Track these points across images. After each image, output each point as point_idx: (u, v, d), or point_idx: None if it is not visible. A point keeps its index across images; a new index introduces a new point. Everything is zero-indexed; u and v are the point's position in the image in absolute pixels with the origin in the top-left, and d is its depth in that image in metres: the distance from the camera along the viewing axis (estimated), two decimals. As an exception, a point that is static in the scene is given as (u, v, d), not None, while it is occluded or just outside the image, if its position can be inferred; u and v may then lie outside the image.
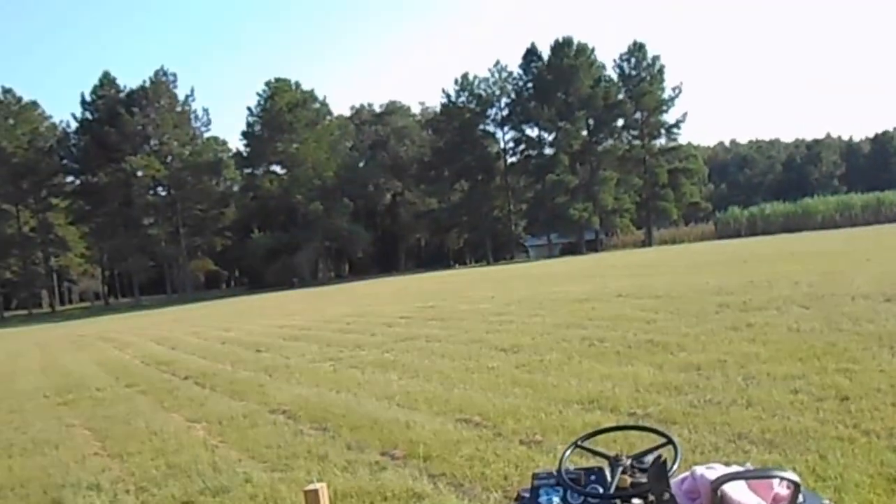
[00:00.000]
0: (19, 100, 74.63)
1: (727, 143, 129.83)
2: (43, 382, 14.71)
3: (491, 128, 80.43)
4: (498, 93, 79.10)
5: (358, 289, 45.35)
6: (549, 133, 76.99)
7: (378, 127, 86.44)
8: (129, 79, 72.02)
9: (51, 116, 77.25)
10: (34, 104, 75.85)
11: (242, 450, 7.20)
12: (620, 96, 76.21)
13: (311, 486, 2.95)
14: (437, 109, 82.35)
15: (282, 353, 14.51)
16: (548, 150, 77.57)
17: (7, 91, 73.96)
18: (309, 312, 26.65)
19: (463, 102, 78.61)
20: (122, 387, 12.64)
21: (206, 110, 76.40)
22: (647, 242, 74.44)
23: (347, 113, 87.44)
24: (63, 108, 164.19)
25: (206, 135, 76.29)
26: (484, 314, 17.37)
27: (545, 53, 76.85)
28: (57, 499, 6.28)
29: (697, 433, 5.77)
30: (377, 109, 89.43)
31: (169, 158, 72.89)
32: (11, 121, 73.01)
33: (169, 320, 33.92)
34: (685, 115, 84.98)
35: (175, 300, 64.70)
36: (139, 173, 70.89)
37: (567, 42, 75.84)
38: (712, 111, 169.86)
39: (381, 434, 6.99)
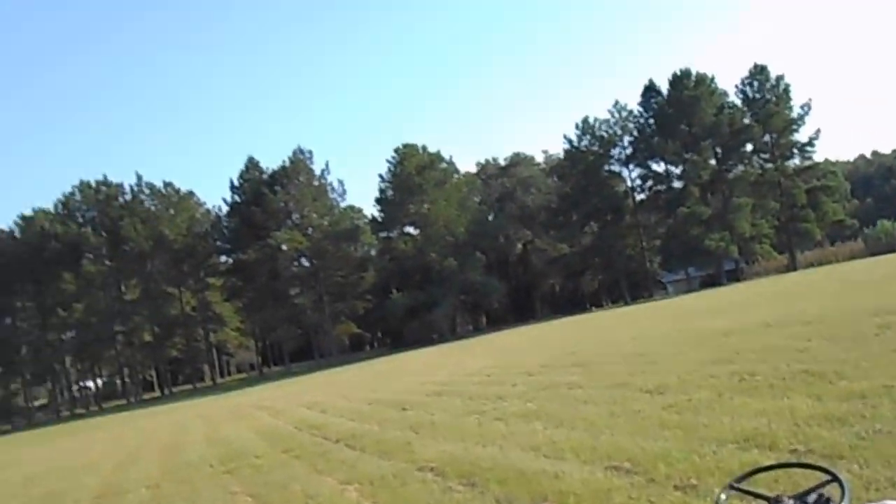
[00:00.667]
0: (178, 191, 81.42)
1: (868, 155, 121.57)
2: (207, 452, 15.47)
3: (616, 167, 79.44)
4: (620, 132, 78.23)
5: (496, 340, 45.28)
6: (676, 166, 75.20)
7: (504, 179, 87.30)
8: (271, 160, 77.13)
9: (205, 203, 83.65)
10: (191, 194, 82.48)
11: (395, 508, 7.27)
12: (746, 121, 73.43)
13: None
14: (561, 155, 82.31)
15: (426, 410, 14.62)
16: (676, 184, 75.69)
17: (168, 185, 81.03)
18: (450, 367, 26.81)
19: (586, 146, 78.20)
20: (278, 453, 13.09)
21: (340, 182, 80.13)
22: (791, 267, 70.26)
23: (473, 169, 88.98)
24: (215, 194, 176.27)
25: (343, 204, 79.52)
26: (625, 356, 16.89)
27: (664, 87, 75.62)
28: None
29: (869, 467, 5.32)
30: (502, 162, 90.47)
31: (310, 230, 76.42)
32: (172, 210, 79.60)
33: (318, 385, 34.97)
34: (818, 131, 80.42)
35: (322, 365, 66.83)
36: (284, 247, 74.77)
37: (685, 74, 74.34)
38: (848, 124, 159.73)
39: (529, 486, 6.88)
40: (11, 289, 75.87)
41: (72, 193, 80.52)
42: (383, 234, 79.05)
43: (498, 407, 12.84)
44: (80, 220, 79.69)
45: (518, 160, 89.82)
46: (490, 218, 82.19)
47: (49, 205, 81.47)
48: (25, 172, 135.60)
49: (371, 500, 7.92)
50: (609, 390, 12.07)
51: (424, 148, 78.47)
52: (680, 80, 74.21)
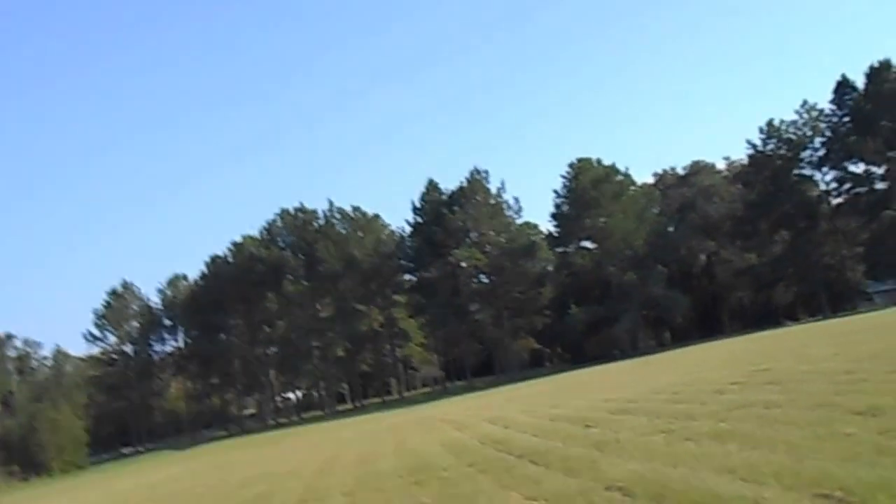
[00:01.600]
0: (365, 214, 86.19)
1: None
2: (397, 463, 16.03)
3: (807, 171, 74.27)
4: (810, 133, 73.06)
5: (681, 355, 43.43)
6: (878, 166, 69.16)
7: (684, 189, 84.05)
8: (450, 181, 79.89)
9: (389, 225, 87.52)
10: (377, 217, 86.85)
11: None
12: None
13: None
14: (745, 161, 78.11)
15: (610, 428, 14.33)
16: (879, 185, 69.55)
17: (356, 209, 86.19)
18: (634, 384, 26.10)
19: (772, 150, 73.80)
20: (464, 466, 13.30)
21: (516, 199, 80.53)
22: None
23: (651, 180, 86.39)
24: (399, 216, 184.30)
25: (519, 221, 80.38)
26: (828, 374, 15.65)
27: (859, 82, 69.66)
28: None
29: None
30: (681, 172, 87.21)
31: (488, 247, 77.81)
32: (360, 233, 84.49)
33: (500, 400, 35.22)
34: None
35: (503, 380, 67.26)
36: (463, 264, 76.66)
37: (885, 65, 68.12)
38: None
39: (725, 511, 6.61)
40: (225, 308, 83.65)
41: (274, 220, 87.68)
42: (560, 249, 79.01)
43: (687, 426, 12.36)
44: (281, 244, 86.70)
45: (698, 168, 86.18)
46: (670, 229, 79.42)
47: (255, 231, 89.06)
48: (237, 202, 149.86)
49: (558, 517, 7.90)
50: (811, 411, 11.27)
51: (599, 161, 77.56)
52: (878, 73, 68.18)
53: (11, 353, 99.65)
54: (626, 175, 78.79)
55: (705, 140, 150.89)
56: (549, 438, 14.71)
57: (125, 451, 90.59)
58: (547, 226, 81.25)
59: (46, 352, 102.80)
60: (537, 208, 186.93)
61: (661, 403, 17.14)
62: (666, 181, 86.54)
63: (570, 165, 77.34)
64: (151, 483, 28.61)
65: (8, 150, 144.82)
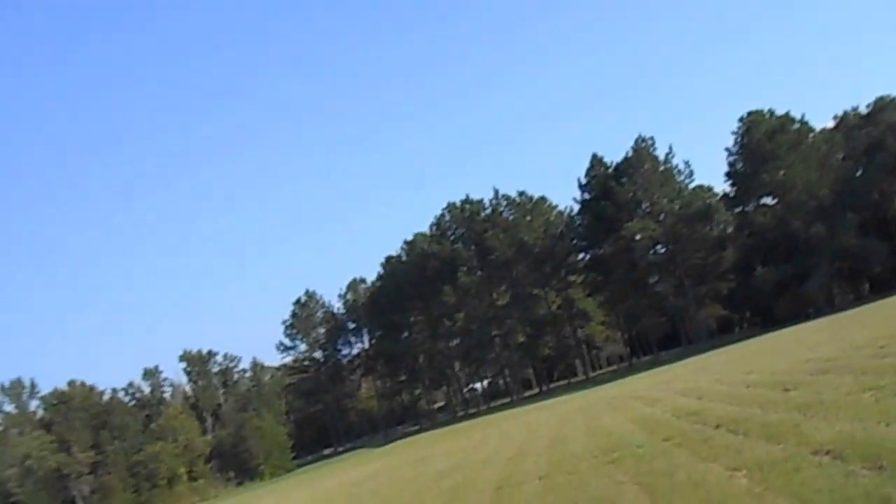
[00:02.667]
0: (531, 198, 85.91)
1: None
2: (590, 443, 16.00)
3: None
4: None
5: (884, 308, 39.84)
6: None
7: (869, 129, 76.67)
8: (614, 153, 77.68)
9: (557, 205, 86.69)
10: (543, 199, 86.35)
11: (790, 496, 6.90)
12: None
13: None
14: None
15: (812, 389, 13.50)
16: None
17: (521, 193, 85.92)
18: (833, 342, 24.36)
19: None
20: (658, 441, 13.08)
21: (686, 163, 76.91)
22: None
23: (831, 124, 79.68)
24: (566, 194, 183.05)
25: (692, 185, 77.04)
26: None
27: None
28: None
29: None
30: (864, 110, 79.72)
31: (661, 216, 75.44)
32: (528, 217, 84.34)
33: (689, 371, 34.14)
34: None
35: (691, 351, 64.98)
36: (637, 237, 74.74)
37: None
38: None
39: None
40: (405, 306, 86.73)
41: (442, 215, 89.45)
42: (738, 209, 75.23)
43: (900, 381, 11.38)
44: (452, 237, 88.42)
45: (883, 104, 78.16)
46: (858, 174, 72.86)
47: (425, 228, 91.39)
48: (406, 201, 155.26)
49: (763, 487, 7.55)
50: None
51: (772, 112, 72.92)
52: None
53: (215, 369, 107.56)
54: (803, 122, 73.30)
55: (889, 72, 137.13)
56: (746, 406, 14.13)
57: (326, 451, 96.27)
58: (722, 186, 77.44)
59: (245, 364, 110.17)
60: (710, 170, 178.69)
61: (865, 359, 15.91)
62: (848, 123, 79.35)
63: (741, 120, 73.18)
64: (354, 480, 30.14)
65: (199, 181, 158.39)
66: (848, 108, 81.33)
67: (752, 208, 74.00)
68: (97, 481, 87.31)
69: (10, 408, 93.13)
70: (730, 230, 76.99)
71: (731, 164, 74.27)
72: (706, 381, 23.80)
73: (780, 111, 72.96)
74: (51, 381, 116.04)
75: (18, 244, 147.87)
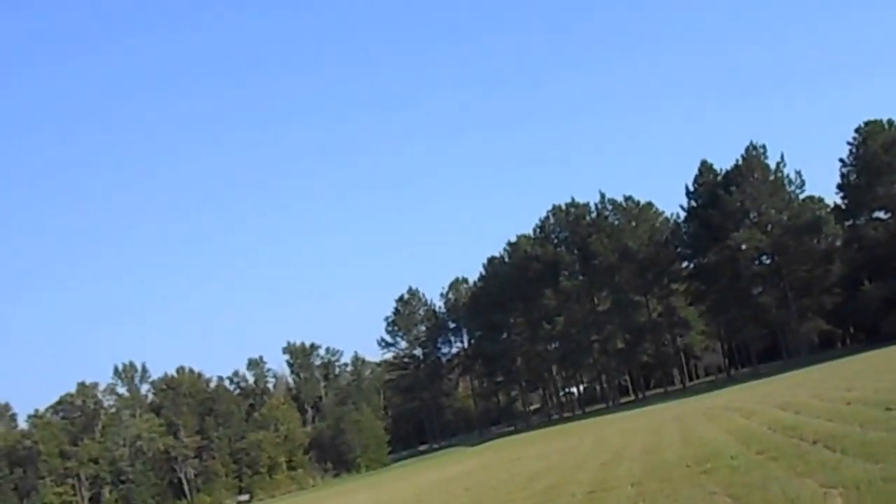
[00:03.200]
0: (637, 203, 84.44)
1: None
2: (684, 452, 15.98)
3: None
4: None
5: None
6: None
7: None
8: (724, 161, 75.55)
9: (663, 212, 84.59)
10: (649, 205, 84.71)
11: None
12: None
13: None
14: None
15: (918, 410, 13.23)
16: None
17: (628, 198, 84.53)
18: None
19: None
20: (753, 454, 13.00)
21: (798, 172, 73.93)
22: None
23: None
24: (673, 201, 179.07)
25: (802, 196, 74.15)
26: None
27: None
28: None
29: None
30: None
31: (769, 227, 73.08)
32: (634, 223, 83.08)
33: (788, 385, 33.18)
34: None
35: (791, 365, 62.69)
36: (743, 246, 72.68)
37: None
38: None
39: None
40: (505, 308, 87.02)
41: (546, 217, 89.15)
42: (849, 223, 72.20)
43: None
44: (555, 240, 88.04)
45: None
46: None
47: (529, 230, 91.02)
48: (511, 204, 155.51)
49: (859, 505, 7.58)
50: None
51: (891, 122, 69.21)
52: None
53: (317, 362, 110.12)
54: (924, 134, 69.39)
55: None
56: (845, 423, 13.87)
57: (421, 448, 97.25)
58: (833, 198, 74.19)
59: (346, 359, 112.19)
60: (822, 181, 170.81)
61: None
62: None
63: (858, 130, 69.88)
64: (448, 477, 30.73)
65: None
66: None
67: (864, 222, 70.79)
68: (202, 465, 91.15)
69: (122, 390, 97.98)
70: (838, 243, 73.84)
71: (843, 176, 71.13)
72: (805, 396, 23.20)
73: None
74: (161, 366, 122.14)
75: (135, 232, 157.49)
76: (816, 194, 75.25)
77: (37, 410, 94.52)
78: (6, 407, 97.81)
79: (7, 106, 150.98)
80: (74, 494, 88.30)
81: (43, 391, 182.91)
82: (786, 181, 74.01)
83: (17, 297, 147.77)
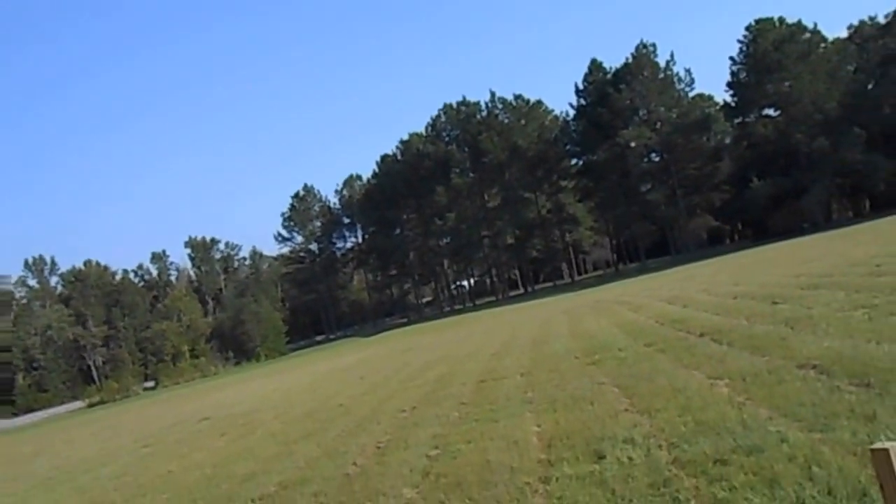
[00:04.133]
0: (528, 102, 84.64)
1: None
2: (572, 345, 16.05)
3: None
4: None
5: (884, 226, 39.50)
6: None
7: (886, 40, 74.54)
8: (614, 59, 75.63)
9: (552, 110, 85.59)
10: (539, 103, 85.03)
11: (772, 407, 6.80)
12: None
13: (879, 445, 2.47)
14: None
15: (802, 304, 13.42)
16: None
17: (518, 97, 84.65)
18: (828, 257, 24.31)
19: None
20: (641, 346, 13.04)
21: (688, 70, 75.08)
22: None
23: (845, 34, 77.36)
24: (562, 99, 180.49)
25: (691, 94, 75.61)
26: None
27: None
28: (598, 450, 6.70)
29: None
30: (881, 20, 77.28)
31: (658, 125, 74.34)
32: (523, 121, 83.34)
33: (676, 280, 34.24)
34: None
35: (680, 260, 65.30)
36: (632, 144, 73.90)
37: None
38: None
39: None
40: (398, 204, 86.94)
41: (438, 116, 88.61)
42: (738, 120, 73.91)
43: (893, 300, 11.27)
44: (447, 138, 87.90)
45: (902, 15, 75.92)
46: (870, 87, 71.18)
47: (421, 128, 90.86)
48: (404, 103, 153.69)
49: (744, 397, 7.48)
50: None
51: (782, 20, 70.46)
52: None
53: (217, 256, 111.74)
54: (815, 31, 70.95)
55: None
56: (732, 316, 14.07)
57: (318, 338, 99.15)
58: (723, 96, 76.00)
59: (245, 253, 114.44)
60: (711, 79, 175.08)
61: (860, 277, 15.81)
62: (863, 33, 76.98)
63: (748, 28, 70.91)
64: (344, 366, 30.73)
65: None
66: (864, 17, 79.01)
67: (754, 119, 72.51)
68: (109, 353, 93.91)
69: (33, 282, 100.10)
70: (727, 141, 75.94)
71: (734, 74, 72.53)
72: (693, 290, 23.80)
73: (790, 19, 70.65)
74: (69, 259, 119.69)
75: (42, 123, 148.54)
76: (706, 92, 77.00)
77: None
78: None
79: None
80: None
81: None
82: (675, 79, 75.12)
83: None
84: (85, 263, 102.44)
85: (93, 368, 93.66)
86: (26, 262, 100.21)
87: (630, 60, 74.76)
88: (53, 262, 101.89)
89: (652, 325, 16.44)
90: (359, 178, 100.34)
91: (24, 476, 18.66)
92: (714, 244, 78.67)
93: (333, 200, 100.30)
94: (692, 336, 12.76)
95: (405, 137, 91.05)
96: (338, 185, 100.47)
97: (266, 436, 13.50)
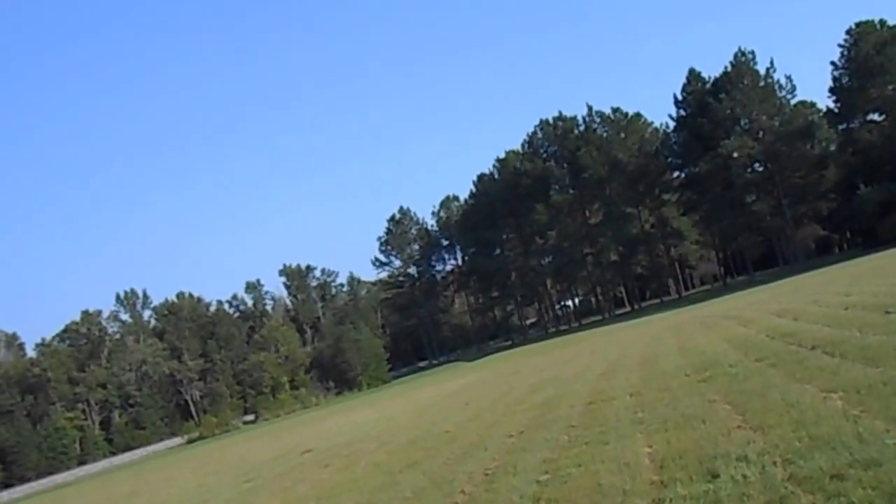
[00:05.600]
0: (626, 115, 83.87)
1: None
2: (681, 362, 15.93)
3: None
4: None
5: None
6: None
7: None
8: (712, 68, 73.95)
9: (652, 122, 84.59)
10: (638, 115, 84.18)
11: (888, 419, 6.74)
12: None
13: None
14: None
15: (918, 313, 12.98)
16: None
17: (616, 110, 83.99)
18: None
19: None
20: (751, 361, 12.89)
21: (788, 77, 72.88)
22: None
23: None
24: (661, 111, 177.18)
25: (793, 101, 73.34)
26: None
27: None
28: (711, 469, 6.72)
29: None
30: None
31: (760, 134, 72.44)
32: (622, 134, 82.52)
33: (785, 292, 33.16)
34: None
35: (788, 271, 63.07)
36: (735, 154, 72.18)
37: None
38: None
39: None
40: (497, 224, 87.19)
41: (534, 132, 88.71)
42: (842, 126, 71.42)
43: None
44: (544, 155, 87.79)
45: None
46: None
47: (517, 146, 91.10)
48: (499, 120, 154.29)
49: (859, 409, 7.42)
50: None
51: (883, 22, 67.86)
52: None
53: (313, 283, 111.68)
54: (919, 33, 67.84)
55: None
56: (844, 328, 13.73)
57: (421, 364, 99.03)
58: (826, 103, 73.34)
59: (342, 279, 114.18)
60: (814, 85, 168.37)
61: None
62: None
63: (849, 32, 68.74)
64: (448, 392, 30.94)
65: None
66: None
67: (858, 125, 70.11)
68: (207, 387, 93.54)
69: (125, 317, 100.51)
70: (832, 148, 73.37)
71: (835, 79, 70.23)
72: (803, 302, 23.08)
73: (891, 21, 67.76)
74: (161, 292, 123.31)
75: (131, 161, 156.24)
76: (808, 99, 74.46)
77: (43, 339, 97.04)
78: (14, 337, 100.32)
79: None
80: (85, 419, 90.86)
81: (48, 320, 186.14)
82: (776, 86, 73.07)
83: (18, 228, 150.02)
84: (178, 296, 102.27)
85: (190, 403, 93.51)
86: (118, 297, 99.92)
87: (729, 69, 73.20)
88: (146, 296, 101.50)
89: (762, 339, 16.17)
90: (456, 198, 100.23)
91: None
92: (823, 254, 75.52)
93: (431, 223, 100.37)
94: (803, 349, 12.55)
95: (501, 156, 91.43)
96: (434, 206, 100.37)
97: (370, 466, 13.48)
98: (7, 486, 78.31)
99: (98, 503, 27.15)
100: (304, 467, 17.18)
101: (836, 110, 71.35)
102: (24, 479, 78.72)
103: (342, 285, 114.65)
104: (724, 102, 71.92)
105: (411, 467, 11.80)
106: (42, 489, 69.45)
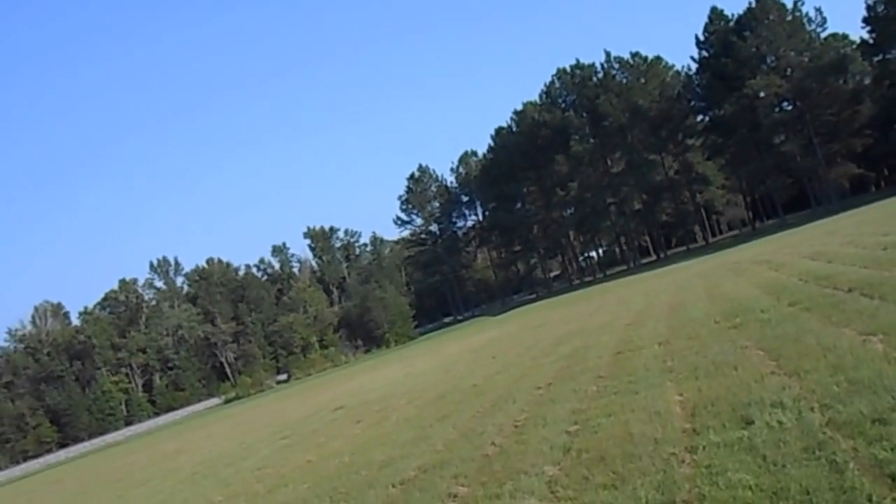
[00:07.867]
0: (646, 59, 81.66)
1: None
2: (711, 309, 15.61)
3: None
4: None
5: None
6: None
7: None
8: (736, 5, 71.42)
9: (673, 66, 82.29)
10: (658, 59, 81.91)
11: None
12: None
13: None
14: None
15: (962, 251, 12.48)
16: None
17: (635, 55, 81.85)
18: None
19: None
20: (784, 306, 12.56)
21: (818, 10, 70.11)
22: None
23: None
24: (683, 53, 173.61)
25: (824, 35, 70.75)
26: None
27: None
28: (745, 416, 6.57)
29: None
30: None
31: (788, 71, 70.18)
32: (643, 80, 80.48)
33: (819, 234, 32.45)
34: None
35: (821, 213, 61.72)
36: (761, 94, 70.18)
37: None
38: None
39: None
40: (517, 177, 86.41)
41: (552, 82, 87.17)
42: (878, 58, 68.67)
43: None
44: (562, 104, 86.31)
45: None
46: None
47: (535, 97, 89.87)
48: (515, 71, 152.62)
49: (901, 353, 7.12)
50: None
51: (922, -59, 64.63)
52: None
53: (337, 244, 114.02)
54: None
55: None
56: (883, 269, 13.28)
57: (446, 320, 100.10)
58: (859, 34, 70.77)
59: (365, 239, 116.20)
60: (846, 16, 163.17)
61: None
62: None
63: (884, -47, 65.69)
64: (474, 346, 31.02)
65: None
66: None
67: (895, 56, 67.35)
68: (240, 349, 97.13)
69: (160, 283, 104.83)
70: (867, 82, 70.85)
71: (870, 8, 67.37)
72: (837, 244, 22.49)
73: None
74: (192, 259, 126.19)
75: (162, 136, 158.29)
76: (840, 31, 71.94)
77: (86, 307, 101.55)
78: (59, 306, 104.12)
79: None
80: (129, 382, 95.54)
81: (89, 289, 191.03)
82: (805, 20, 70.54)
83: (59, 203, 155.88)
84: (208, 261, 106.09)
85: (225, 365, 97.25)
86: (151, 265, 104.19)
87: (754, 5, 70.82)
88: (177, 263, 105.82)
89: (795, 283, 15.75)
90: (474, 154, 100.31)
91: (170, 472, 19.98)
92: (858, 193, 73.63)
93: (450, 179, 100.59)
94: (840, 292, 12.14)
95: (519, 108, 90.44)
96: (453, 163, 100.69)
97: (401, 421, 13.66)
98: (63, 445, 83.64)
99: (149, 460, 28.12)
100: (336, 423, 17.52)
101: (871, 41, 68.59)
102: (77, 440, 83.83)
103: (366, 245, 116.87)
104: (749, 40, 69.83)
105: (441, 421, 11.89)
106: (95, 448, 73.01)
